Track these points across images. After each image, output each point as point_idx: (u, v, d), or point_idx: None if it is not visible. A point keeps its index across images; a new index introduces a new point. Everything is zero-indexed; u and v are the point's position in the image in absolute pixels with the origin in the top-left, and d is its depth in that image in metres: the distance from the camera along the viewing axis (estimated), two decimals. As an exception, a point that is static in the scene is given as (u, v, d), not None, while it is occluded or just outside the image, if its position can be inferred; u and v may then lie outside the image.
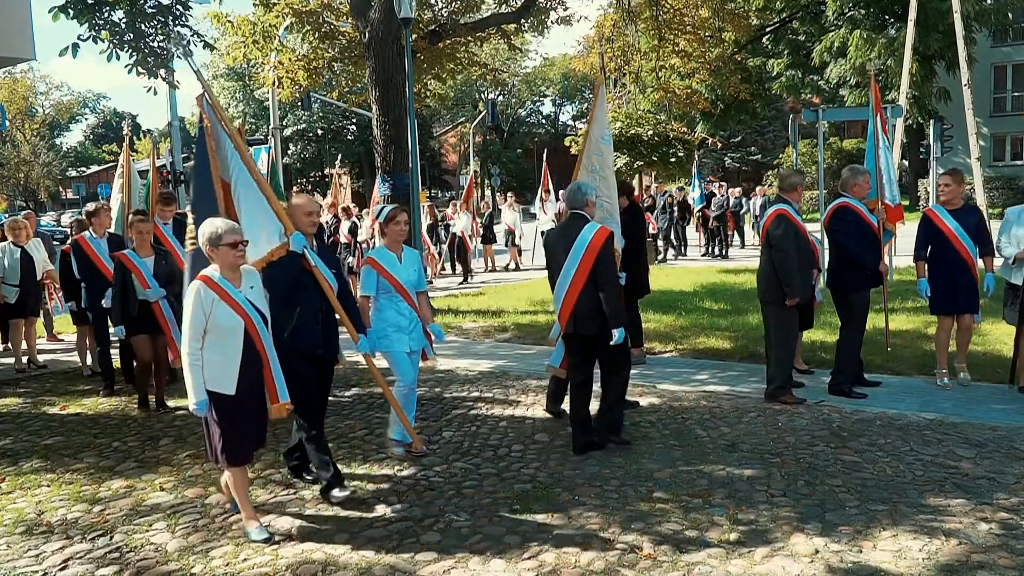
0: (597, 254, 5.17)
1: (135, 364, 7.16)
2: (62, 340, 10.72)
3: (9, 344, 9.45)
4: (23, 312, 9.01)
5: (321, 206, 8.99)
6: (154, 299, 6.72)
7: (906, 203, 27.75)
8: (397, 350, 5.41)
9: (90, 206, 8.24)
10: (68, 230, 9.23)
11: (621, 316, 5.22)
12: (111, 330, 6.47)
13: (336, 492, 4.67)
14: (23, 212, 13.02)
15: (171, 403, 7.07)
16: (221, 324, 4.11)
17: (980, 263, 6.68)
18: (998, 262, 6.72)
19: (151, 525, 4.53)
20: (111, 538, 4.39)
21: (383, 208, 5.66)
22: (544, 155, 21.02)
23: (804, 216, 7.09)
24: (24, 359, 9.07)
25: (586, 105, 63.61)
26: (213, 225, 4.22)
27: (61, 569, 4.06)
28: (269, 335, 4.30)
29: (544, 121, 64.62)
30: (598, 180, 6.05)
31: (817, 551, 3.93)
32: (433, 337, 5.66)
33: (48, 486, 5.24)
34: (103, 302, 7.26)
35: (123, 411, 7.03)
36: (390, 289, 5.36)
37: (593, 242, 5.19)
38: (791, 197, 6.51)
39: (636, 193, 6.84)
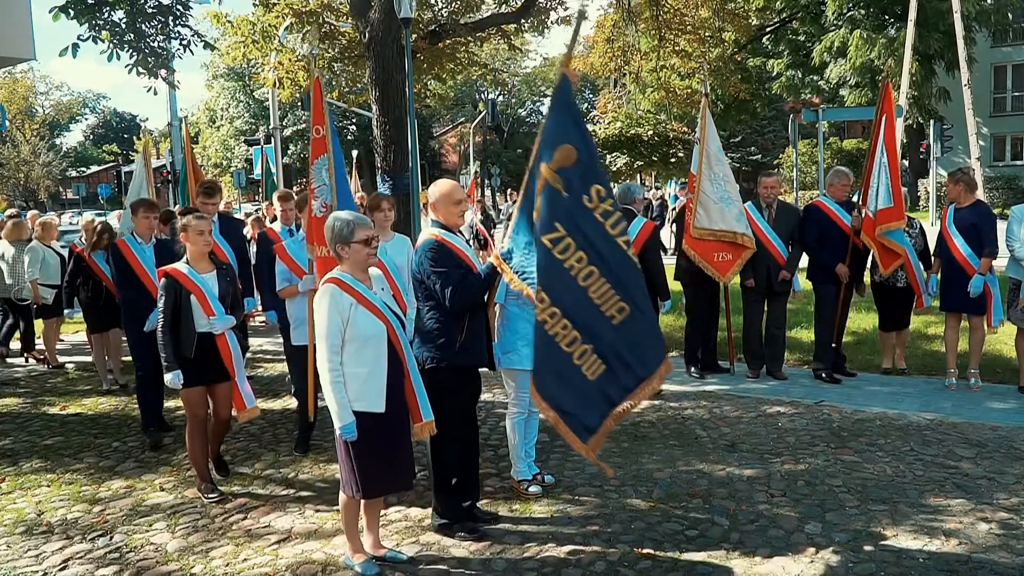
0: (644, 243, 6.30)
1: (188, 428, 4.99)
2: (62, 340, 10.69)
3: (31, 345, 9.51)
4: (59, 311, 9.12)
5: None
6: (220, 330, 4.84)
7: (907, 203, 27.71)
8: (528, 368, 4.46)
9: (136, 202, 6.80)
10: (81, 232, 8.95)
11: (667, 291, 6.44)
12: (167, 378, 4.81)
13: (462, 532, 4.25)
14: (29, 213, 12.97)
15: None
16: (362, 332, 3.61)
17: (994, 263, 6.65)
18: (1002, 262, 6.69)
19: (151, 525, 4.53)
20: (111, 538, 4.39)
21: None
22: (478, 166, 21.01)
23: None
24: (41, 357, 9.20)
25: (587, 105, 63.72)
26: (341, 219, 3.69)
27: (61, 569, 4.06)
28: (408, 343, 3.88)
29: (544, 121, 64.60)
30: (723, 184, 7.08)
31: (817, 551, 3.93)
32: None
33: (48, 486, 5.24)
34: (146, 326, 5.94)
35: (123, 411, 7.03)
36: (521, 295, 4.51)
37: (641, 233, 6.33)
38: (759, 193, 7.29)
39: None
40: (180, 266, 4.85)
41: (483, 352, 4.34)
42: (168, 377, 4.77)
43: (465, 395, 4.33)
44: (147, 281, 6.04)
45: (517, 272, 4.08)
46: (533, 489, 4.76)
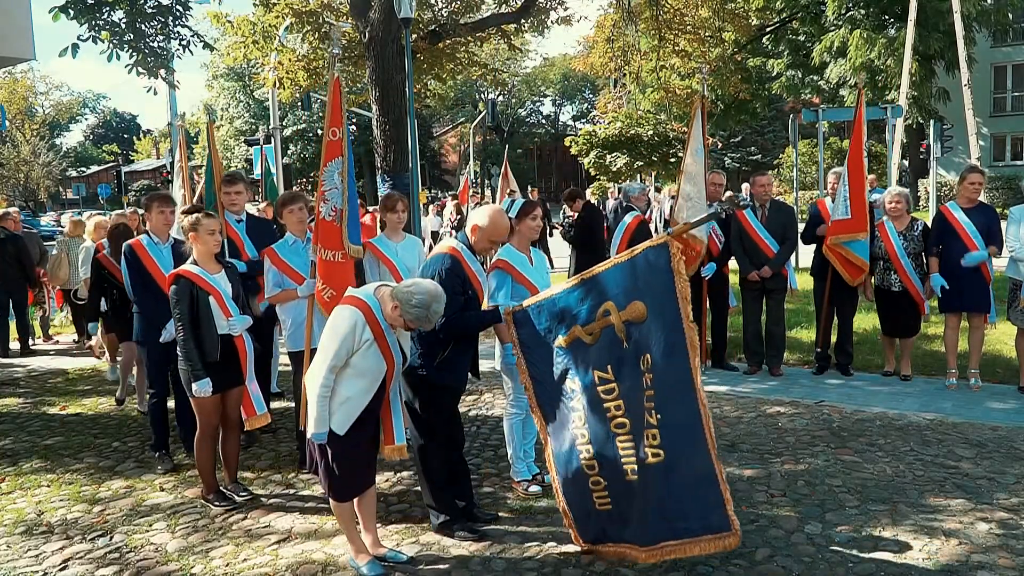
0: (632, 233, 7.29)
1: (197, 436, 4.77)
2: (57, 342, 10.70)
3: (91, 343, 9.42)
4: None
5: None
6: (239, 331, 4.67)
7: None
8: None
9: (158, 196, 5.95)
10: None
11: None
12: (194, 387, 4.55)
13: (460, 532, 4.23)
14: (11, 210, 12.91)
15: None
16: (364, 365, 3.69)
17: (995, 263, 6.65)
18: (1002, 262, 6.70)
19: (151, 525, 4.54)
20: (111, 538, 4.39)
21: (515, 200, 4.74)
22: (470, 169, 20.96)
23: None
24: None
25: (586, 105, 63.76)
26: (430, 307, 3.62)
27: (61, 569, 4.06)
28: (400, 379, 3.98)
29: (544, 121, 64.70)
30: (688, 183, 7.30)
31: (817, 551, 3.93)
32: None
33: (48, 486, 5.24)
34: (163, 336, 5.36)
35: (123, 411, 7.02)
36: (526, 296, 4.42)
37: (630, 225, 7.40)
38: (754, 193, 7.40)
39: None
40: (191, 267, 4.60)
41: (464, 371, 4.31)
42: (196, 387, 4.53)
43: (444, 400, 4.28)
44: (165, 286, 5.11)
45: (522, 342, 4.04)
46: (533, 489, 4.76)
